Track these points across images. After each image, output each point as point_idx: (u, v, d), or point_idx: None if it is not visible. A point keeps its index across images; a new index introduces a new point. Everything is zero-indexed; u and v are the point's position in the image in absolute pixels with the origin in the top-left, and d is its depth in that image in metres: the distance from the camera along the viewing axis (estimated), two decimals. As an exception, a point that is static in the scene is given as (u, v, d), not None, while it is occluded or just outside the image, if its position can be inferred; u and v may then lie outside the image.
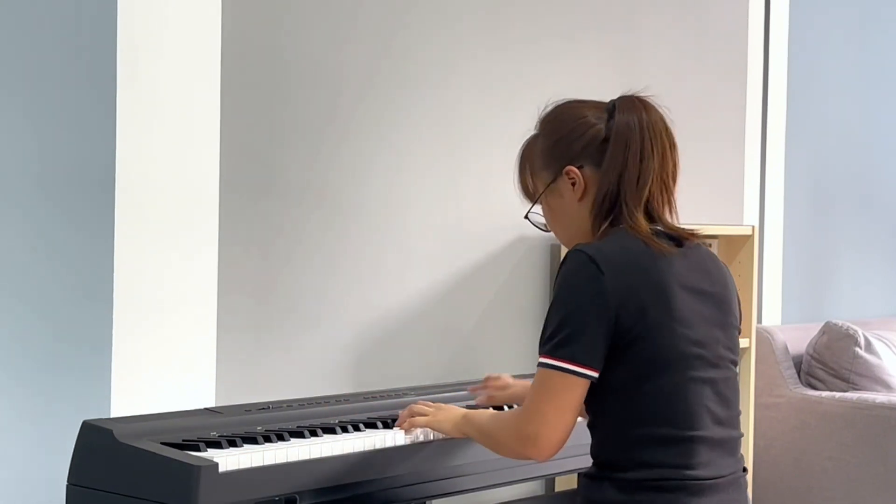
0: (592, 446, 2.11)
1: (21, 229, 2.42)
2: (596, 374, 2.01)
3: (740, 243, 3.75)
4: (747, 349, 3.72)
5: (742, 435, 2.14)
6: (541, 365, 2.02)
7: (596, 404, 2.07)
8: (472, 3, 3.32)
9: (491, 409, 2.25)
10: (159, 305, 2.59)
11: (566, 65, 3.59)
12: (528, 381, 2.46)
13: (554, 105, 2.22)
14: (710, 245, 3.75)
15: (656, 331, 2.00)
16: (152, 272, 2.58)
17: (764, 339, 4.13)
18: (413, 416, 2.33)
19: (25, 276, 2.42)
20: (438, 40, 3.23)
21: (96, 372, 2.50)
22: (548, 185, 2.17)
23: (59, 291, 2.47)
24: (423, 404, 2.35)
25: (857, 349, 4.12)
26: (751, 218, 4.35)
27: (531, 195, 2.22)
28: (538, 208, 2.22)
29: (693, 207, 4.09)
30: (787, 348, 4.18)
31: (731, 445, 2.09)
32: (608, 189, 2.09)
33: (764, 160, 4.44)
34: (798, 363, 4.23)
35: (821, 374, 4.16)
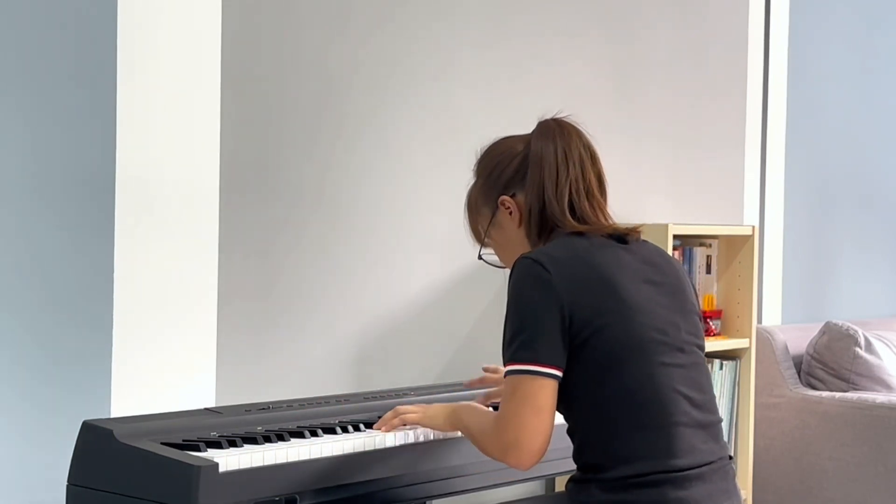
0: (574, 452, 2.11)
1: (20, 230, 2.42)
2: (560, 373, 2.03)
3: (740, 243, 3.75)
4: (747, 349, 3.72)
5: (721, 419, 2.14)
6: (508, 373, 2.04)
7: (570, 407, 2.08)
8: (473, 5, 3.32)
9: (479, 407, 2.25)
10: (159, 305, 2.60)
11: (566, 67, 3.59)
12: None
13: (484, 147, 2.32)
14: (710, 245, 3.75)
15: (613, 321, 2.03)
16: (152, 273, 2.58)
17: (764, 339, 4.13)
18: (402, 417, 2.31)
19: (26, 276, 2.42)
20: (439, 41, 3.23)
21: (96, 372, 2.50)
22: (490, 221, 2.25)
23: (59, 292, 2.47)
24: (408, 406, 2.34)
25: (857, 349, 4.12)
26: (751, 218, 4.35)
27: (479, 235, 2.31)
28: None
29: (693, 207, 4.10)
30: (787, 348, 4.18)
31: (713, 430, 2.09)
32: (531, 208, 2.17)
33: (764, 160, 4.44)
34: (798, 363, 4.23)
35: (821, 374, 4.16)
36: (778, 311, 4.56)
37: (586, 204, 2.16)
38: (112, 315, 2.51)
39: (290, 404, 2.44)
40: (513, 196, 2.21)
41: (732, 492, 2.10)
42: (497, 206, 2.23)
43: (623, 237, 2.16)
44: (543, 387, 2.01)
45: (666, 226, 3.37)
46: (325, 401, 2.53)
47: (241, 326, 2.79)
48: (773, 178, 4.48)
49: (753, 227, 3.74)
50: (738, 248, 3.75)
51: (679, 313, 2.12)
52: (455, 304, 3.28)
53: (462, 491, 2.44)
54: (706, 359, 2.18)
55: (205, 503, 1.96)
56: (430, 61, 3.21)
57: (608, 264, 2.08)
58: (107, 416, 2.44)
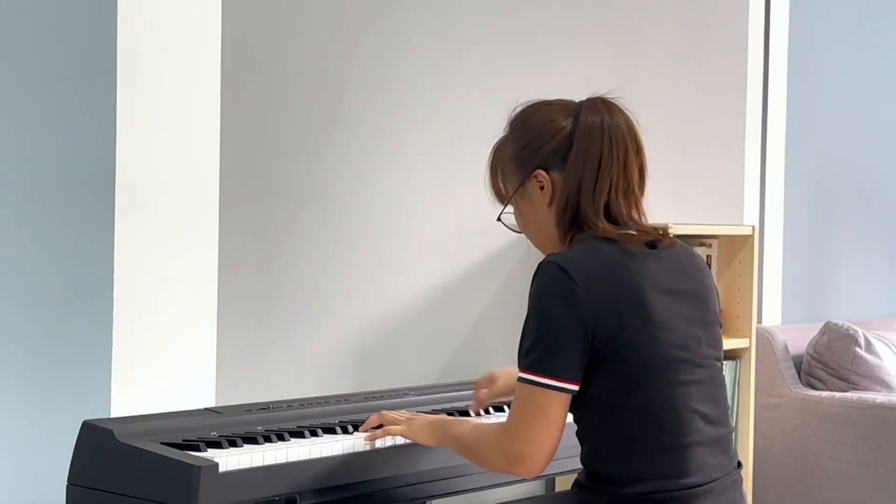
0: (583, 455, 2.08)
1: (20, 229, 2.42)
2: (576, 388, 1.99)
3: (740, 243, 3.75)
4: (747, 349, 3.72)
5: (732, 430, 2.13)
6: (521, 380, 1.99)
7: (583, 416, 2.05)
8: (472, 4, 3.32)
9: (469, 419, 2.21)
10: (159, 305, 2.60)
11: (566, 65, 3.59)
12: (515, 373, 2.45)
13: (523, 107, 2.20)
14: (710, 245, 3.75)
15: (636, 338, 1.98)
16: (152, 272, 2.58)
17: (764, 339, 4.13)
18: (385, 425, 2.28)
19: (25, 276, 2.42)
20: (438, 40, 3.23)
21: (96, 372, 2.50)
22: (517, 189, 2.15)
23: (59, 291, 2.47)
24: (393, 413, 2.30)
25: (857, 349, 4.12)
26: (751, 218, 4.35)
27: (502, 198, 2.20)
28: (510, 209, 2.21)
29: (693, 207, 4.10)
30: (787, 348, 4.18)
31: (723, 442, 2.07)
32: (567, 197, 2.08)
33: (764, 160, 4.44)
34: (798, 363, 4.23)
35: (821, 374, 4.16)
36: (778, 311, 4.56)
37: (622, 203, 2.09)
38: (112, 315, 2.51)
39: (290, 404, 2.44)
40: (548, 172, 2.11)
41: (739, 500, 2.08)
42: (529, 178, 2.13)
43: (653, 241, 2.09)
44: (557, 402, 1.97)
45: (666, 226, 3.37)
46: (325, 401, 2.53)
47: (241, 327, 2.79)
48: (773, 178, 4.48)
49: (753, 227, 3.74)
50: (738, 248, 3.75)
51: (701, 326, 2.07)
52: (455, 304, 3.28)
53: (462, 491, 2.44)
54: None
55: (205, 503, 1.96)
56: (429, 61, 3.21)
57: (635, 275, 2.02)
58: (107, 416, 2.44)
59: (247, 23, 2.78)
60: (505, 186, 2.19)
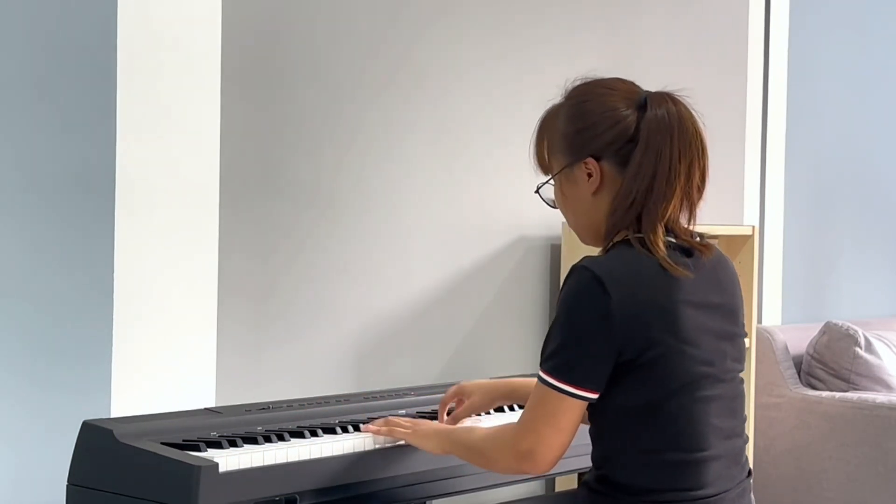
0: (595, 456, 2.06)
1: (21, 229, 2.42)
2: (596, 396, 1.97)
3: (740, 243, 3.75)
4: (747, 349, 3.71)
5: (747, 440, 2.11)
6: (540, 380, 1.97)
7: (600, 419, 2.03)
8: (474, 4, 3.32)
9: (477, 427, 2.20)
10: (159, 305, 2.60)
11: (566, 65, 3.59)
12: (489, 385, 2.41)
13: (585, 83, 2.12)
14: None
15: (665, 354, 1.94)
16: (152, 272, 2.58)
17: (764, 339, 4.13)
18: (391, 427, 2.26)
19: (26, 277, 2.42)
20: (439, 40, 3.23)
21: (96, 372, 2.50)
22: (562, 169, 2.08)
23: (59, 292, 2.47)
24: (399, 419, 2.29)
25: (858, 349, 4.12)
26: (751, 218, 4.35)
27: (544, 170, 2.13)
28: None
29: (693, 207, 4.10)
30: (787, 348, 4.18)
31: (736, 454, 2.06)
32: (634, 199, 2.00)
33: (764, 160, 4.44)
34: (798, 363, 4.23)
35: (821, 374, 4.16)
36: (778, 311, 4.56)
37: (679, 207, 2.02)
38: (112, 315, 2.51)
39: (290, 404, 2.44)
40: (600, 161, 2.03)
41: None
42: (578, 162, 2.04)
43: (690, 250, 2.04)
44: (573, 408, 1.95)
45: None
46: (325, 401, 2.53)
47: (241, 326, 2.79)
48: (773, 178, 4.48)
49: (753, 227, 3.74)
50: (738, 248, 3.75)
51: (728, 339, 2.04)
52: (455, 304, 3.28)
53: (462, 491, 2.44)
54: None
55: (205, 503, 1.96)
56: (431, 61, 3.21)
57: (670, 291, 1.96)
58: (107, 416, 2.44)
59: (247, 22, 2.78)
60: (550, 161, 2.11)
